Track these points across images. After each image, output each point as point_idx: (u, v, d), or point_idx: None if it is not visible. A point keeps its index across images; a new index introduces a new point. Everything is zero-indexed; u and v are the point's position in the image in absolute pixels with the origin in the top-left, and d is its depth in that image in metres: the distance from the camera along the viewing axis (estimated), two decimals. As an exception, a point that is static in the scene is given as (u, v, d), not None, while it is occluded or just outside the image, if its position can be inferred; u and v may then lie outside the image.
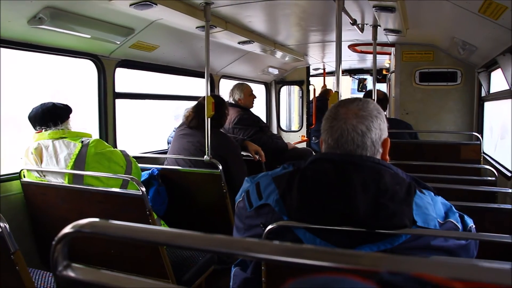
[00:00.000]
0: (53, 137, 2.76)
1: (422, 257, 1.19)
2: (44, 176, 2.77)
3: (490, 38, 3.47)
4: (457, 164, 3.42)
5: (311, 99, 7.33)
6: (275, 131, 7.07)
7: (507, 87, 3.39)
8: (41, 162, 2.75)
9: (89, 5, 2.77)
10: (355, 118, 1.34)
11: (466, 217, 1.40)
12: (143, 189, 2.39)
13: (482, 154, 3.84)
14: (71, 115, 2.88)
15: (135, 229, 0.79)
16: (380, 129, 1.36)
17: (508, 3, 2.49)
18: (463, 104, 5.30)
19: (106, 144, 2.90)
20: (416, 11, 3.51)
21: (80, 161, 2.70)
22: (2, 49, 2.75)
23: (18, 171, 2.82)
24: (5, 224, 1.57)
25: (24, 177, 2.82)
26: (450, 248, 1.26)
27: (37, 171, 2.76)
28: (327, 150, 1.37)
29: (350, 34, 4.48)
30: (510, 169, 3.37)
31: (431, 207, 1.27)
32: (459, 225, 1.33)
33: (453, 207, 1.36)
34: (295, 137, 7.04)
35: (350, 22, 3.60)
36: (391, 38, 4.87)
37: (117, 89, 3.67)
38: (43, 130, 2.77)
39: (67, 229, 0.80)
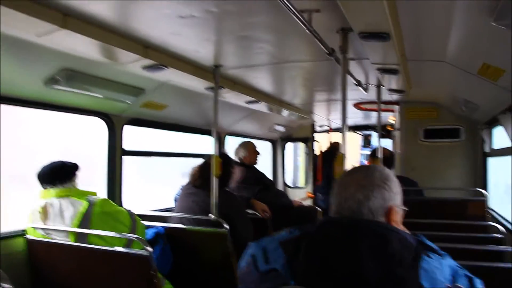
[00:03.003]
0: (59, 195, 2.79)
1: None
2: (49, 234, 2.78)
3: (490, 97, 3.55)
4: (463, 222, 3.41)
5: (316, 155, 7.37)
6: (281, 187, 7.07)
7: (509, 144, 3.43)
8: (47, 220, 2.77)
9: (103, 66, 2.88)
10: (355, 186, 1.36)
11: (474, 279, 1.38)
12: (149, 248, 2.40)
13: (487, 210, 3.82)
14: (78, 172, 2.92)
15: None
16: (383, 198, 1.35)
17: (505, 66, 2.58)
18: (467, 160, 5.32)
19: (113, 203, 2.92)
20: (418, 72, 3.61)
21: (85, 220, 2.72)
22: (17, 107, 2.85)
23: (23, 228, 2.83)
24: (9, 286, 1.57)
25: (29, 234, 2.82)
26: None
27: (42, 228, 2.78)
28: (332, 214, 1.40)
29: (354, 94, 4.57)
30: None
31: (439, 271, 1.25)
32: None
33: (460, 270, 1.34)
34: (301, 194, 7.01)
35: (355, 83, 3.70)
36: (395, 96, 4.97)
37: (128, 147, 3.74)
38: (50, 188, 2.81)
39: None
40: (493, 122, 4.25)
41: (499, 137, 4.39)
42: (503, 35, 2.10)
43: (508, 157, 3.88)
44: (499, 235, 3.04)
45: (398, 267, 1.20)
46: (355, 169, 1.46)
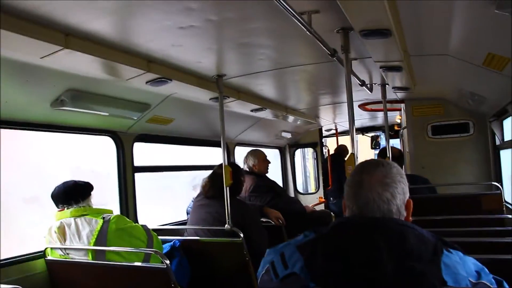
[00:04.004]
0: (74, 214, 2.82)
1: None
2: (68, 254, 2.80)
3: (497, 88, 3.52)
4: (479, 216, 3.37)
5: (325, 159, 7.35)
6: (292, 194, 7.04)
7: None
8: (64, 240, 2.80)
9: (107, 84, 2.91)
10: (380, 186, 1.35)
11: (505, 283, 1.35)
12: (167, 261, 2.40)
13: (504, 203, 3.77)
14: (92, 192, 2.95)
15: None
16: (403, 193, 1.37)
17: (510, 54, 2.56)
18: (478, 154, 5.26)
19: (127, 219, 2.94)
20: (422, 68, 3.60)
21: (101, 238, 2.74)
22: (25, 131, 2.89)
23: (42, 249, 2.85)
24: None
25: (48, 255, 2.84)
26: None
27: (60, 249, 2.80)
28: (351, 215, 1.38)
29: (359, 94, 4.57)
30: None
31: (461, 266, 1.24)
32: (494, 287, 1.29)
33: (486, 269, 1.32)
34: (313, 199, 6.98)
35: (359, 83, 3.70)
36: (400, 95, 4.95)
37: (136, 162, 3.75)
38: (65, 208, 2.84)
39: None
40: (503, 113, 4.21)
41: (509, 130, 4.34)
42: (506, 23, 2.09)
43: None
44: None
45: (417, 262, 1.19)
46: (370, 166, 1.43)
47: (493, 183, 4.17)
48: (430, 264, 1.20)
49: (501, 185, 4.13)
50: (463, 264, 1.25)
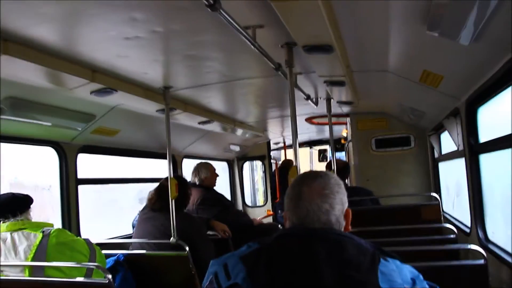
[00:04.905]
0: (11, 229, 2.67)
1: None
2: (2, 271, 2.65)
3: (434, 104, 3.70)
4: (418, 226, 3.51)
5: (273, 172, 7.42)
6: (240, 207, 7.05)
7: (455, 148, 3.58)
8: (-1, 256, 2.65)
9: (50, 93, 2.82)
10: (319, 197, 1.38)
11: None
12: (109, 276, 2.32)
13: (442, 213, 3.95)
14: (31, 205, 2.82)
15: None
16: (342, 203, 1.41)
17: (444, 72, 2.71)
18: (419, 166, 5.48)
19: (69, 233, 2.82)
20: (364, 83, 3.73)
21: (40, 253, 2.61)
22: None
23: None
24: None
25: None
26: None
27: None
28: (292, 226, 1.41)
29: (306, 108, 4.66)
30: (468, 225, 3.48)
31: (396, 274, 1.29)
32: None
33: (421, 276, 1.38)
34: (261, 212, 7.02)
35: (304, 98, 3.78)
36: (345, 109, 5.10)
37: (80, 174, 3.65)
38: (1, 222, 2.70)
39: None
40: (440, 127, 4.42)
41: (447, 142, 4.55)
42: (439, 43, 2.22)
43: (456, 160, 4.04)
44: (452, 236, 3.16)
45: (355, 272, 1.23)
46: (309, 179, 1.46)
47: (432, 194, 4.36)
48: (368, 272, 1.24)
49: (440, 196, 4.31)
50: (399, 272, 1.30)
